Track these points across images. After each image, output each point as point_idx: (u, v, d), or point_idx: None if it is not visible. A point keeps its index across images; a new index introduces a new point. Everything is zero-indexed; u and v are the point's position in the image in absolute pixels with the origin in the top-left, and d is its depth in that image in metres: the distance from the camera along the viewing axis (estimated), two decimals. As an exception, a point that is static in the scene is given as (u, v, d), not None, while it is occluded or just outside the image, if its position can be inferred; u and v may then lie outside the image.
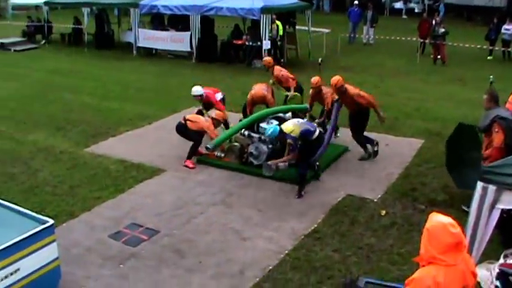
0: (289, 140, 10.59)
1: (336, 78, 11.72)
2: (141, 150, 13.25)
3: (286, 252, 8.66)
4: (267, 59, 16.12)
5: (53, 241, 7.44)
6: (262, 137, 11.57)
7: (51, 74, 23.18)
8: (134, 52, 26.87)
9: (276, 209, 10.08)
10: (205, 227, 9.46)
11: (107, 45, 29.08)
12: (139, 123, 15.30)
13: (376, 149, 12.43)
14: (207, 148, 11.74)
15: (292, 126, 10.64)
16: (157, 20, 27.96)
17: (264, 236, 9.16)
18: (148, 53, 26.93)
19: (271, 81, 14.97)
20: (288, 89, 14.69)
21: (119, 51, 27.97)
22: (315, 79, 13.14)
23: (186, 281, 7.96)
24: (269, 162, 10.71)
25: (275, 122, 11.68)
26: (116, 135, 14.39)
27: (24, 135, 14.64)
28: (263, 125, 11.77)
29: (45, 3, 31.47)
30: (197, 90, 13.63)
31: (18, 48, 30.45)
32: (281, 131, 10.63)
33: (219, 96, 14.05)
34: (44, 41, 32.28)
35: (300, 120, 11.33)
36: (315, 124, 11.49)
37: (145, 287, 7.84)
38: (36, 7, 35.61)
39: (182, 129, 12.38)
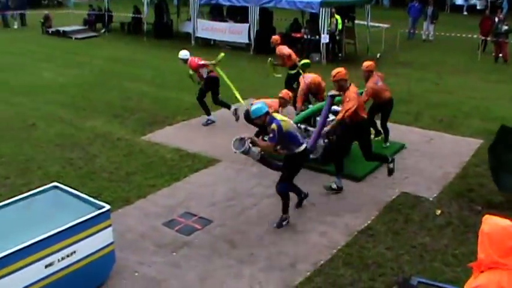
0: (273, 125, 8.78)
1: (337, 70, 10.79)
2: (197, 140, 13.37)
3: (339, 247, 8.61)
4: (275, 37, 16.70)
5: (109, 226, 7.58)
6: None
7: (110, 62, 23.57)
8: (192, 42, 27.05)
9: (330, 204, 10.04)
10: (258, 219, 9.49)
11: (165, 35, 29.36)
12: (195, 113, 15.40)
13: (391, 166, 10.80)
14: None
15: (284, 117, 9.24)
16: (216, 11, 28.12)
17: (317, 230, 9.13)
18: (207, 44, 27.06)
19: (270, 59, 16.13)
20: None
21: (177, 41, 28.18)
22: (367, 62, 12.83)
23: (237, 271, 8.00)
24: (245, 138, 9.18)
25: (332, 116, 11.60)
26: (173, 124, 14.54)
27: (83, 122, 14.94)
28: (319, 118, 11.69)
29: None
30: (184, 54, 14.98)
31: (79, 36, 31.04)
32: (268, 112, 9.03)
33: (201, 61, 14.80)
34: (104, 30, 32.81)
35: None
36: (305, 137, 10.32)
37: (197, 275, 7.91)
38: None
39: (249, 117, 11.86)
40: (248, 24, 24.48)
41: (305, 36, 23.73)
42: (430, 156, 12.34)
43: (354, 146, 11.93)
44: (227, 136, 13.19)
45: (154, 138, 13.54)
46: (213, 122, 14.86)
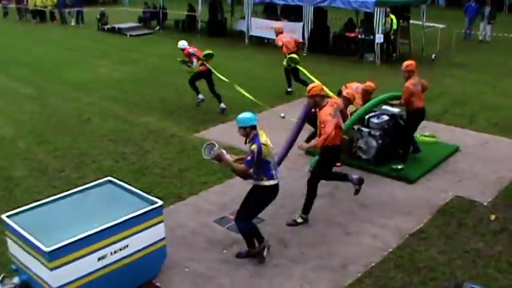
0: (254, 145, 7.71)
1: (312, 86, 9.60)
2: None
3: (390, 250, 8.54)
4: (278, 25, 18.80)
5: (161, 221, 7.69)
6: (372, 132, 11.39)
7: (164, 59, 23.79)
8: (246, 41, 27.15)
9: (382, 206, 9.96)
10: (310, 218, 9.45)
11: (219, 33, 29.52)
12: (250, 110, 15.39)
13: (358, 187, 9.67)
14: None
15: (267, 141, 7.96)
16: (271, 10, 28.11)
17: (368, 232, 9.07)
18: (260, 42, 27.12)
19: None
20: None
21: (230, 39, 28.34)
22: (407, 62, 12.02)
23: (287, 270, 8.01)
24: (215, 146, 8.20)
25: (385, 117, 11.50)
26: (226, 121, 14.62)
27: (137, 117, 15.17)
28: (373, 119, 11.59)
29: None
30: (182, 43, 16.10)
31: (133, 33, 31.51)
32: (254, 127, 8.08)
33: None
34: (158, 27, 33.22)
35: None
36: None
37: (247, 273, 7.95)
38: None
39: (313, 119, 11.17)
40: (302, 23, 24.41)
41: (359, 36, 23.55)
42: (485, 160, 12.11)
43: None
44: (280, 136, 13.26)
45: (208, 135, 13.62)
46: (203, 100, 15.88)
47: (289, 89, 17.55)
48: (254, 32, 27.03)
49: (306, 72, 15.77)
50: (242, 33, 27.81)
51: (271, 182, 7.90)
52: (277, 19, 26.68)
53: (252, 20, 26.97)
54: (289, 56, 16.61)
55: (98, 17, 34.18)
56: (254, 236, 8.20)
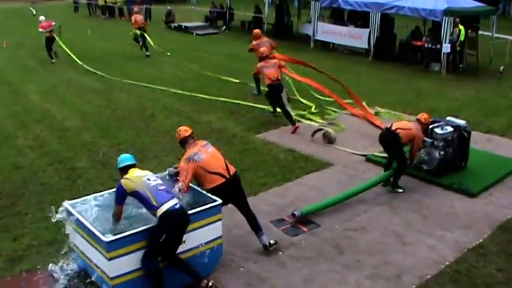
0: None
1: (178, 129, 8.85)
2: (311, 142, 13.41)
3: (447, 263, 8.38)
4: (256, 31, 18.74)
5: (219, 220, 7.78)
6: (435, 142, 11.23)
7: (229, 59, 24.06)
8: (311, 45, 27.11)
9: (441, 218, 9.79)
10: (367, 226, 9.42)
11: (285, 36, 29.55)
12: (313, 116, 15.49)
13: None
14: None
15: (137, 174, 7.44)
16: (337, 15, 28.03)
17: (425, 243, 8.94)
18: (325, 47, 27.04)
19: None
20: None
21: (296, 42, 28.35)
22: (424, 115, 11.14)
23: (342, 277, 7.98)
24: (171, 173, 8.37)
25: (450, 128, 11.34)
26: (288, 124, 14.59)
27: (200, 116, 15.35)
28: (437, 129, 11.42)
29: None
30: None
31: (199, 32, 31.92)
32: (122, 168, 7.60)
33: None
34: (224, 27, 33.57)
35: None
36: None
37: (301, 277, 7.96)
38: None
39: (392, 140, 10.71)
40: (368, 30, 24.25)
41: (426, 45, 23.23)
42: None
43: (471, 161, 11.67)
44: (341, 142, 13.26)
45: (269, 137, 13.70)
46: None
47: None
48: (320, 37, 26.98)
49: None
50: (308, 37, 27.79)
51: (162, 209, 7.02)
52: (343, 24, 26.65)
53: (318, 24, 26.93)
54: None
55: (165, 15, 34.74)
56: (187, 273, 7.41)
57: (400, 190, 10.71)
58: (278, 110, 14.93)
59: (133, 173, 7.39)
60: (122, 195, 7.22)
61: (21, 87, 19.10)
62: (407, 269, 8.21)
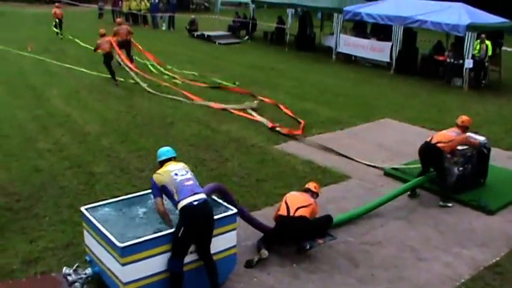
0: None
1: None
2: (330, 154, 13.38)
3: (463, 281, 8.29)
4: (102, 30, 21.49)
5: (234, 229, 7.77)
6: (454, 158, 11.13)
7: (250, 69, 24.11)
8: (333, 57, 27.09)
9: (458, 234, 9.70)
10: (383, 240, 9.36)
11: (307, 47, 29.63)
12: (331, 127, 15.45)
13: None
14: None
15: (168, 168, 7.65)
16: (360, 28, 28.03)
17: (441, 259, 8.86)
18: (347, 59, 27.01)
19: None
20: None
21: (318, 54, 28.39)
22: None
23: (356, 291, 7.95)
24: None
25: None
26: (307, 136, 14.61)
27: (219, 125, 15.38)
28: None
29: (252, 1, 33.16)
30: None
31: (222, 41, 32.04)
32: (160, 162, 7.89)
33: None
34: (247, 37, 33.68)
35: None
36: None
37: (315, 289, 7.94)
38: (244, 4, 37.04)
39: (435, 153, 10.80)
40: (391, 43, 24.20)
41: (448, 60, 23.10)
42: None
43: (490, 178, 11.58)
44: (360, 154, 13.22)
45: (288, 148, 13.69)
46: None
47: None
48: (342, 49, 26.95)
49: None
50: (330, 49, 27.75)
51: (182, 203, 7.17)
52: (366, 37, 26.61)
53: (340, 37, 26.93)
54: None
55: (188, 23, 34.95)
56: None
57: (450, 204, 10.68)
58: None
59: (166, 167, 7.61)
60: (155, 188, 7.47)
61: (45, 91, 19.26)
62: (421, 285, 8.14)
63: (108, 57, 20.37)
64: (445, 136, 10.84)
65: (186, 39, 33.88)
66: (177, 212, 7.24)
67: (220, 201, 8.09)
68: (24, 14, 46.07)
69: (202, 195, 7.28)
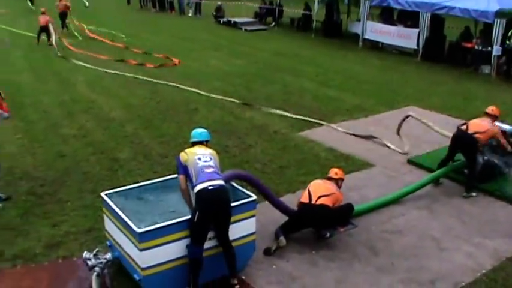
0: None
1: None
2: (353, 141, 13.33)
3: (484, 271, 8.20)
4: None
5: (253, 216, 7.78)
6: (480, 148, 10.92)
7: (276, 55, 24.05)
8: (360, 43, 26.89)
9: (481, 224, 9.58)
10: (404, 229, 9.30)
11: (333, 34, 29.47)
12: (355, 115, 15.37)
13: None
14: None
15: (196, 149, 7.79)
16: (387, 14, 27.76)
17: (463, 249, 8.77)
18: (374, 46, 26.80)
19: None
20: None
21: (344, 40, 28.23)
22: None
23: (374, 279, 7.89)
24: None
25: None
26: (331, 123, 14.57)
27: (243, 111, 15.39)
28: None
29: (281, -13, 32.80)
30: None
31: (248, 28, 32.00)
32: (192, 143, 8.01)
33: None
34: (273, 24, 33.59)
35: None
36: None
37: (333, 277, 7.90)
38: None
39: (469, 144, 10.56)
40: (418, 30, 23.93)
41: (476, 47, 22.78)
42: None
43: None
44: (386, 138, 13.13)
45: (311, 135, 13.65)
46: None
47: None
48: (369, 36, 26.74)
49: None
50: (356, 35, 27.56)
51: (197, 187, 7.24)
52: (393, 24, 26.36)
53: (367, 23, 26.73)
54: None
55: (215, 10, 34.95)
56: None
57: (474, 194, 10.55)
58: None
59: (194, 149, 7.73)
60: (180, 165, 7.55)
61: (70, 77, 19.43)
62: (442, 275, 8.07)
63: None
64: (481, 126, 10.59)
65: (212, 25, 33.91)
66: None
67: (239, 187, 8.10)
68: (51, 1, 46.37)
69: (219, 181, 7.30)
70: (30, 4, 40.80)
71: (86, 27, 29.36)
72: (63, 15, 30.07)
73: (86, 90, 17.77)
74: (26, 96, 16.83)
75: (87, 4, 37.26)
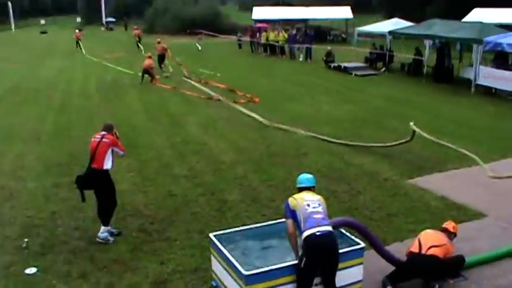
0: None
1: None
2: (466, 190, 12.87)
3: None
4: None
5: (361, 263, 7.68)
6: None
7: (386, 101, 23.82)
8: (472, 89, 26.17)
9: None
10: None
11: (445, 79, 28.86)
12: (466, 163, 14.85)
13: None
14: None
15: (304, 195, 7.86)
16: (501, 59, 26.94)
17: None
18: (487, 92, 25.94)
19: None
20: None
21: (456, 86, 27.58)
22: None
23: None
24: None
25: None
26: (443, 171, 14.17)
27: (352, 157, 15.26)
28: None
29: (390, 32, 32.80)
30: None
31: (359, 73, 31.97)
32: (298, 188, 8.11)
33: None
34: (383, 69, 33.36)
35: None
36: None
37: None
38: (381, 35, 36.68)
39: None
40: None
41: None
42: None
43: None
44: (497, 192, 12.66)
45: (422, 182, 13.32)
46: None
47: None
48: (482, 81, 25.98)
49: None
50: (469, 81, 26.83)
51: (304, 234, 7.26)
52: (507, 68, 25.57)
53: (480, 68, 26.04)
54: None
55: (325, 55, 35.19)
56: None
57: None
58: None
59: (303, 194, 7.79)
60: (287, 209, 7.63)
61: (182, 119, 20.01)
62: None
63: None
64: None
65: (322, 70, 34.14)
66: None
67: (348, 234, 8.02)
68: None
69: (327, 227, 7.26)
70: (139, 47, 46.46)
71: (188, 70, 30.27)
72: (161, 58, 33.12)
73: (197, 131, 18.27)
74: (140, 136, 17.49)
75: (199, 48, 38.60)
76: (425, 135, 14.63)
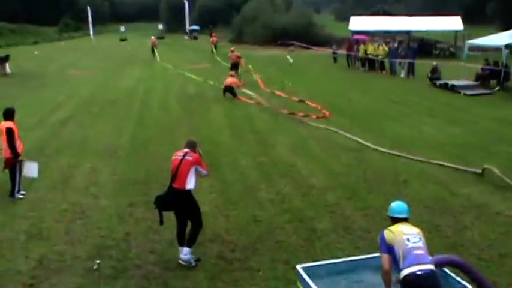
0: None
1: None
2: None
3: None
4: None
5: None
6: None
7: (499, 124, 22.95)
8: None
9: None
10: None
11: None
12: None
13: None
14: None
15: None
16: None
17: None
18: None
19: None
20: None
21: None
22: None
23: None
24: None
25: None
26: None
27: (459, 186, 14.80)
28: None
29: (506, 46, 31.81)
30: None
31: (468, 92, 31.10)
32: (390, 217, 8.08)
33: None
34: (497, 87, 32.32)
35: None
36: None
37: None
38: (496, 49, 35.69)
39: None
40: None
41: None
42: None
43: None
44: None
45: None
46: None
47: None
48: None
49: None
50: None
51: (402, 274, 7.19)
52: None
53: None
54: None
55: (430, 71, 34.54)
56: None
57: None
58: None
59: (400, 227, 7.66)
60: (383, 243, 7.55)
61: (270, 138, 20.04)
62: None
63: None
64: None
65: (427, 88, 33.50)
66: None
67: (452, 274, 7.75)
68: (255, 56, 48.69)
69: (430, 266, 7.06)
70: (214, 52, 51.99)
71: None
72: (235, 66, 34.77)
73: (285, 151, 18.24)
74: (223, 155, 17.62)
75: (291, 61, 38.79)
76: None
